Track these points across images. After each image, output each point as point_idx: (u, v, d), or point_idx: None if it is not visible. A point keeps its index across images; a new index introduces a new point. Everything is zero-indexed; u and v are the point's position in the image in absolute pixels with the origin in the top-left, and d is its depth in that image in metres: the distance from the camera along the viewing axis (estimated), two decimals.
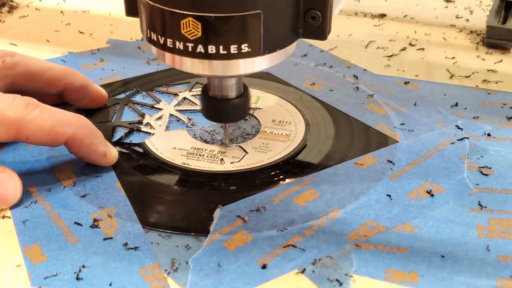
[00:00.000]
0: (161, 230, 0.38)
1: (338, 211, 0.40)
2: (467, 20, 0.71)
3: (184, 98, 0.54)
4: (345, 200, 0.41)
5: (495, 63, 0.61)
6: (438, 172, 0.43)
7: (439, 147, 0.46)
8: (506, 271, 0.35)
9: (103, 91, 0.51)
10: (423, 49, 0.63)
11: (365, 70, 0.59)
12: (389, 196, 0.41)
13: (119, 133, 0.49)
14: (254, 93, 0.54)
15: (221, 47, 0.36)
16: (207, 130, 0.49)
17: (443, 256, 0.36)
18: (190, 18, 0.35)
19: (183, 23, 0.36)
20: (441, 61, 0.61)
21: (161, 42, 0.37)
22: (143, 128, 0.49)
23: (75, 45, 0.64)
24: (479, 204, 0.40)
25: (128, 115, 0.51)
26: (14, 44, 0.64)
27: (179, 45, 0.37)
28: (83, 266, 0.35)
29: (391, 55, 0.62)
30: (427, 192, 0.41)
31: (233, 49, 0.36)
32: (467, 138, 0.47)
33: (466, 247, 0.37)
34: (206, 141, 0.47)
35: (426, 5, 0.75)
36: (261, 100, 0.53)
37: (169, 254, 0.36)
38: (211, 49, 0.36)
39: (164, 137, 0.48)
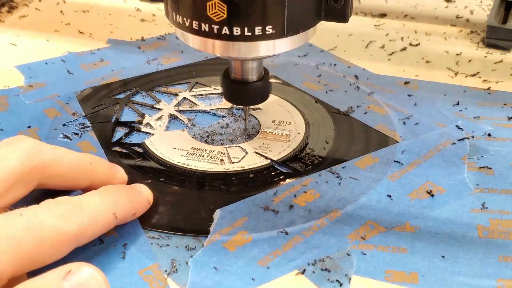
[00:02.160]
0: (161, 230, 0.38)
1: (338, 212, 0.40)
2: (467, 20, 0.71)
3: (184, 98, 0.54)
4: (345, 200, 0.41)
5: (495, 63, 0.60)
6: (438, 172, 0.43)
7: (439, 147, 0.46)
8: (506, 272, 0.35)
9: (125, 177, 0.42)
10: (419, 45, 0.63)
11: (364, 69, 0.59)
12: (389, 196, 0.41)
13: (119, 133, 0.49)
14: None
15: (246, 29, 0.37)
16: (207, 130, 0.49)
17: (443, 257, 0.36)
18: (216, 0, 0.36)
19: (209, 5, 0.36)
20: (441, 61, 0.61)
21: (187, 24, 0.38)
22: (143, 128, 0.49)
23: (75, 45, 0.64)
24: (482, 205, 0.40)
25: (128, 115, 0.51)
26: (14, 44, 0.64)
27: (205, 27, 0.37)
28: None
29: (391, 55, 0.62)
30: (427, 192, 0.41)
31: (257, 30, 0.37)
32: (467, 138, 0.47)
33: (467, 247, 0.37)
34: (206, 142, 0.47)
35: (426, 5, 0.75)
36: None
37: (169, 254, 0.36)
38: (236, 31, 0.37)
39: (164, 137, 0.48)
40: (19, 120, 0.50)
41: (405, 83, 0.56)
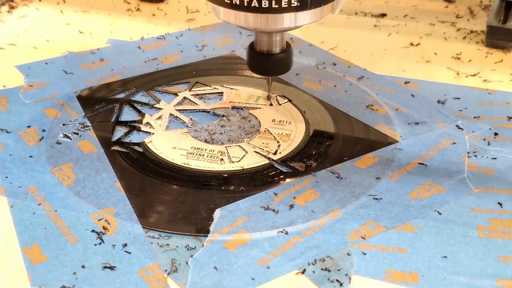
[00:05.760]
0: (161, 230, 0.38)
1: (339, 211, 0.40)
2: (468, 20, 0.71)
3: (184, 98, 0.54)
4: (345, 200, 0.41)
5: (495, 63, 0.60)
6: (438, 172, 0.43)
7: (439, 147, 0.46)
8: (506, 272, 0.35)
9: None
10: (419, 45, 0.63)
11: (365, 70, 0.59)
12: (389, 196, 0.41)
13: (119, 133, 0.49)
14: (254, 92, 0.54)
15: (273, 2, 0.41)
16: (207, 129, 0.49)
17: (443, 257, 0.36)
18: None
19: None
20: (442, 61, 0.61)
21: None
22: (143, 128, 0.49)
23: (75, 45, 0.64)
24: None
25: (128, 115, 0.51)
26: (14, 44, 0.64)
27: (236, 1, 0.41)
28: (83, 266, 0.35)
29: (391, 55, 0.62)
30: (427, 192, 0.41)
31: (284, 3, 0.41)
32: (467, 138, 0.47)
33: (467, 247, 0.37)
34: (206, 141, 0.47)
35: (426, 5, 0.75)
36: (261, 100, 0.53)
37: (169, 254, 0.36)
38: (265, 3, 0.41)
39: (164, 137, 0.48)
40: (19, 120, 0.50)
41: (405, 83, 0.56)
